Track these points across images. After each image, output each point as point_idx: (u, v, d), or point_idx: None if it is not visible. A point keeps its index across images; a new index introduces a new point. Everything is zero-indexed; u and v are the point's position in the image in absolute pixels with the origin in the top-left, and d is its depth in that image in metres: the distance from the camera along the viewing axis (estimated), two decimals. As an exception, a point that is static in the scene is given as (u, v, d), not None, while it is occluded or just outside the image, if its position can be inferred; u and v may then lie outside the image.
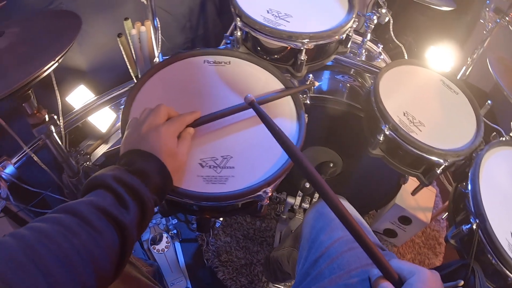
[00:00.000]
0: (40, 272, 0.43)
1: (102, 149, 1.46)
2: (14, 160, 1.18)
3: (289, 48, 1.00)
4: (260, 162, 0.80)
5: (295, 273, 0.91)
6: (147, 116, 0.72)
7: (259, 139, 0.84)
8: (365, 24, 1.38)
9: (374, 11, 1.34)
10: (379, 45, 1.54)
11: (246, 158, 0.80)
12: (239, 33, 1.02)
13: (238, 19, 0.99)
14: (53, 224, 0.49)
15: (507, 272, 0.81)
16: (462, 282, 0.78)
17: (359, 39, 1.48)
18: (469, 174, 0.96)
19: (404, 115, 1.05)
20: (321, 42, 0.99)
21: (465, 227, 0.88)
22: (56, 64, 0.82)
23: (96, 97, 1.38)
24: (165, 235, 1.50)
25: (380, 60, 1.53)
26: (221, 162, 0.79)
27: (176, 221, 1.53)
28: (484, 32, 1.32)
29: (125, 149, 0.67)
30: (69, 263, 0.46)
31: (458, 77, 1.28)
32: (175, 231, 1.53)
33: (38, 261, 0.44)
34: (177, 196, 0.74)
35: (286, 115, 0.90)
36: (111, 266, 0.53)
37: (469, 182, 0.94)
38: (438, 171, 1.01)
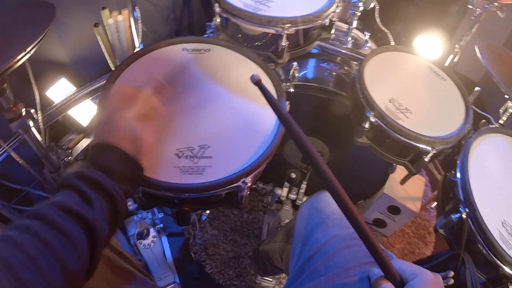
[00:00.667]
0: (9, 281, 0.44)
1: (84, 143, 1.42)
2: (-7, 158, 1.16)
3: (270, 35, 0.97)
4: (239, 152, 0.77)
5: (288, 268, 0.89)
6: (102, 106, 0.69)
7: (238, 127, 0.81)
8: (351, 11, 1.35)
9: (359, -3, 1.31)
10: (365, 33, 1.51)
11: (224, 147, 0.78)
12: (218, 20, 0.99)
13: (217, 5, 0.96)
14: (20, 231, 0.50)
15: (498, 262, 0.79)
16: (452, 273, 0.76)
17: (345, 26, 1.45)
18: (458, 162, 0.94)
19: (390, 102, 1.02)
20: (302, 27, 0.96)
21: (454, 217, 0.87)
22: (28, 55, 0.79)
23: (76, 90, 1.35)
24: (151, 229, 1.47)
25: (367, 48, 1.50)
26: (198, 152, 0.76)
27: (162, 215, 1.51)
28: (472, 18, 1.30)
29: (91, 144, 0.66)
30: (36, 267, 0.47)
31: (446, 65, 1.26)
32: (161, 225, 1.50)
33: (8, 271, 0.45)
34: (152, 188, 0.72)
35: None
36: (81, 263, 0.53)
37: (458, 170, 0.92)
38: (426, 159, 0.99)
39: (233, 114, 0.84)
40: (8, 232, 0.50)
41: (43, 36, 0.81)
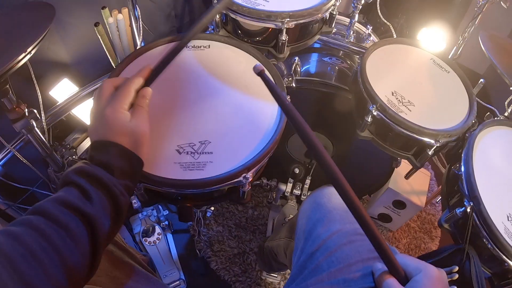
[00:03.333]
0: (9, 274, 0.44)
1: (88, 142, 1.43)
2: (-2, 158, 1.17)
3: (270, 29, 0.97)
4: (240, 147, 0.77)
5: (291, 264, 0.89)
6: (94, 102, 0.68)
7: (239, 123, 0.81)
8: (353, 4, 1.34)
9: (360, -10, 1.30)
10: (368, 26, 1.51)
11: (225, 143, 0.78)
12: (217, 16, 0.98)
13: (216, 1, 0.96)
14: (22, 226, 0.50)
15: (504, 257, 0.78)
16: (456, 268, 0.76)
17: (347, 20, 1.44)
18: (462, 155, 0.92)
19: (393, 94, 1.02)
20: (302, 21, 0.95)
21: (458, 211, 0.85)
22: (29, 55, 0.80)
23: (79, 89, 1.36)
24: (156, 226, 1.48)
25: (369, 41, 1.49)
26: (199, 147, 0.76)
27: (167, 212, 1.51)
28: (475, 9, 1.28)
29: (91, 140, 0.66)
30: (37, 262, 0.47)
31: (449, 57, 1.25)
32: (166, 222, 1.51)
33: (8, 264, 0.45)
34: (154, 184, 0.72)
35: (268, 97, 0.87)
36: (82, 257, 0.53)
37: (462, 163, 0.91)
38: (430, 153, 0.98)
39: (234, 110, 0.83)
40: (9, 227, 0.50)
41: (44, 36, 0.81)
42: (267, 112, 0.84)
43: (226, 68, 0.92)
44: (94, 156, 0.61)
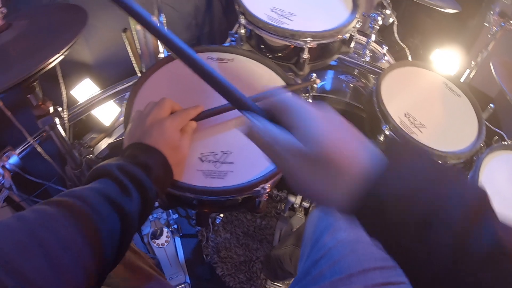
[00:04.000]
0: (43, 254, 0.43)
1: (105, 143, 1.47)
2: (18, 151, 1.19)
3: (292, 46, 1.01)
4: (259, 159, 0.80)
5: (296, 271, 0.92)
6: (151, 110, 0.72)
7: None
8: (370, 25, 1.38)
9: (378, 12, 1.34)
10: (383, 46, 1.54)
11: (245, 154, 0.81)
12: (242, 31, 1.03)
13: (242, 16, 1.00)
14: (58, 207, 0.49)
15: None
16: None
17: (363, 39, 1.48)
18: (469, 177, 0.96)
19: (405, 116, 1.05)
20: (323, 41, 1.00)
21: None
22: (62, 57, 0.83)
23: (100, 91, 1.40)
24: (165, 229, 1.51)
25: (384, 61, 1.53)
26: (221, 157, 0.80)
27: (176, 216, 1.54)
28: (489, 36, 1.32)
29: (128, 142, 0.68)
30: (72, 246, 0.46)
31: (461, 80, 1.28)
32: (175, 226, 1.54)
33: (42, 243, 0.44)
34: (177, 189, 0.75)
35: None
36: (112, 252, 0.53)
37: (469, 186, 0.94)
38: (438, 174, 1.01)
39: None
40: (43, 205, 0.49)
41: (76, 40, 0.85)
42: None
43: (248, 81, 0.95)
44: (138, 155, 0.63)
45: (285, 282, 1.47)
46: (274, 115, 0.49)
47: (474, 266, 0.37)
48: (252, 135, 0.49)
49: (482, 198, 0.41)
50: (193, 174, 0.77)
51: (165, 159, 0.65)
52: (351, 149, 0.44)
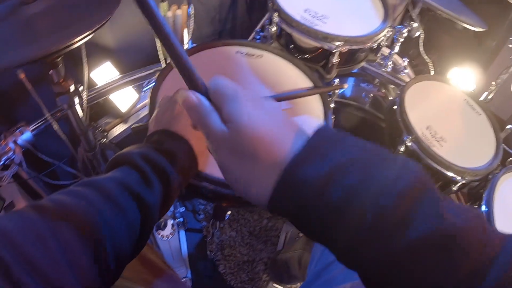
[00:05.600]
0: (60, 247, 0.41)
1: (119, 128, 1.46)
2: (32, 127, 1.18)
3: (321, 49, 1.01)
4: None
5: (305, 274, 0.91)
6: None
7: None
8: (394, 36, 1.38)
9: (406, 24, 1.34)
10: (405, 59, 1.54)
11: None
12: (274, 28, 1.02)
13: (276, 14, 1.00)
14: (77, 198, 0.47)
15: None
16: None
17: (386, 50, 1.48)
18: (484, 195, 0.96)
19: (427, 129, 1.05)
20: (354, 47, 0.99)
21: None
22: (91, 35, 0.80)
23: (120, 76, 1.39)
24: (171, 221, 1.50)
25: (404, 74, 1.53)
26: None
27: (183, 209, 1.54)
28: (511, 57, 1.32)
29: (154, 128, 0.66)
30: (90, 239, 0.44)
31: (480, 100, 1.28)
32: (181, 219, 1.53)
33: (60, 236, 0.41)
34: (198, 180, 0.74)
35: (314, 113, 0.91)
36: (130, 245, 0.51)
37: (483, 203, 0.94)
38: (454, 189, 1.01)
39: None
40: (59, 195, 0.47)
41: (108, 19, 0.84)
42: (313, 126, 0.87)
43: (276, 79, 0.95)
44: (164, 142, 0.61)
45: (287, 286, 1.46)
46: (210, 96, 0.47)
47: (414, 254, 0.36)
48: (187, 106, 0.46)
49: (419, 180, 0.38)
50: (215, 165, 0.76)
51: (191, 148, 0.64)
52: (274, 135, 0.42)
